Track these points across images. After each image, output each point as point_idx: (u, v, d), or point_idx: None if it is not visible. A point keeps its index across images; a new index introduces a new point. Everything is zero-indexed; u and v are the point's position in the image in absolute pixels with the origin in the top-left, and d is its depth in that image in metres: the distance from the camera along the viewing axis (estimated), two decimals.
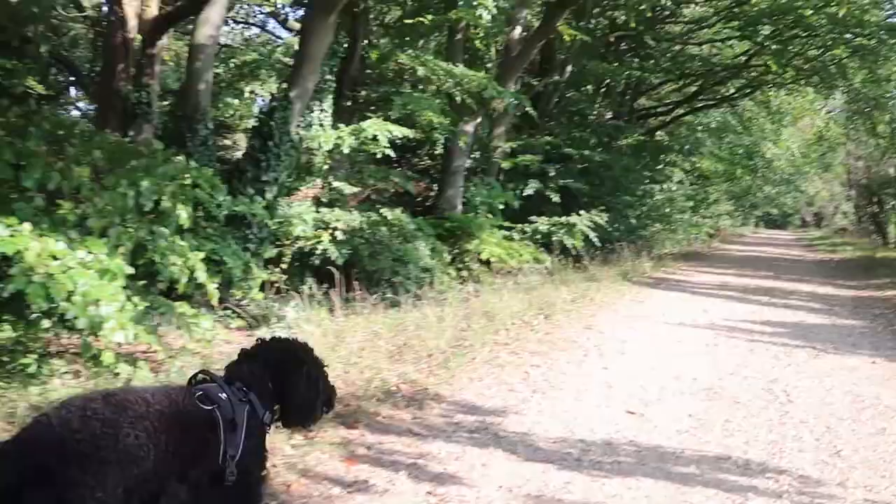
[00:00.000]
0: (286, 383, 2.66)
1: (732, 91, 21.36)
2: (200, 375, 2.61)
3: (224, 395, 2.48)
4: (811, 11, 14.88)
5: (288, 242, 9.83)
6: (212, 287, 7.24)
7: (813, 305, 11.76)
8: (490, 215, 13.36)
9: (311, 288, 9.21)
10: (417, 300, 8.76)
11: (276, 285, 9.00)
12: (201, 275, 7.00)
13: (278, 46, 15.71)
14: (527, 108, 13.38)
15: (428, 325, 7.02)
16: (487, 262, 12.17)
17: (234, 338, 7.84)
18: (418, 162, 15.92)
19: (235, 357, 2.76)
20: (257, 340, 2.81)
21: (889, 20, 15.41)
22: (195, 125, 8.51)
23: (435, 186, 14.19)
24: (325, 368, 2.85)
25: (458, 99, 12.43)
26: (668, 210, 21.93)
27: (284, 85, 9.25)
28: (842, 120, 23.01)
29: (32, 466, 2.02)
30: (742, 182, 28.19)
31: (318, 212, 9.97)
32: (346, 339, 5.93)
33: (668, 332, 8.65)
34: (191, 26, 9.79)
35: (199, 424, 2.39)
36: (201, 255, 7.06)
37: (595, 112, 18.91)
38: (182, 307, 6.99)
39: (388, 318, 7.46)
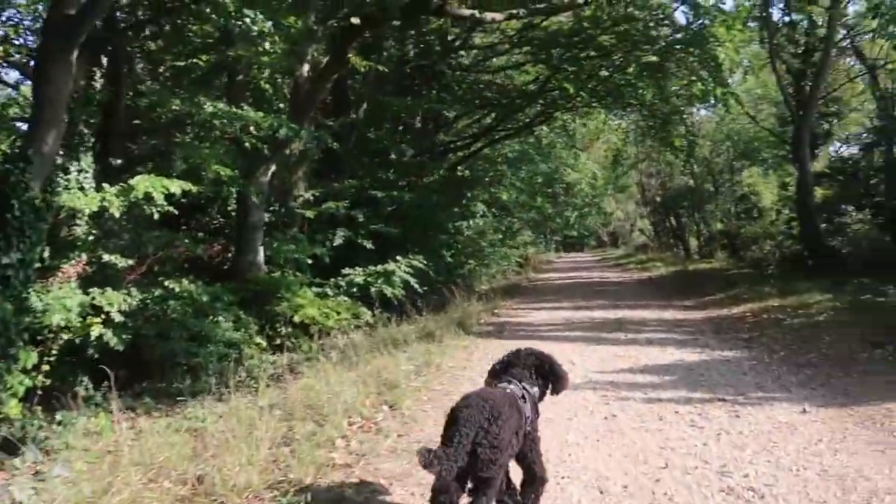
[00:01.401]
0: (546, 376, 4.48)
1: (528, 119, 21.36)
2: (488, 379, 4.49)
3: (512, 388, 4.21)
4: (600, 31, 14.98)
5: (51, 336, 7.91)
6: None
7: (675, 337, 11.10)
8: (298, 273, 11.94)
9: (87, 389, 7.45)
10: (222, 386, 7.22)
11: (39, 393, 7.10)
12: None
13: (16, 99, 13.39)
14: (330, 145, 12.18)
15: (234, 437, 5.11)
16: (302, 325, 10.75)
17: None
18: (210, 221, 14.08)
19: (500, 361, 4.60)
20: (514, 351, 4.67)
21: (673, 36, 15.75)
22: None
23: (232, 247, 12.50)
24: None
25: (248, 145, 10.95)
26: (481, 244, 21.51)
27: (19, 142, 7.40)
28: (636, 138, 23.81)
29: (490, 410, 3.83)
30: (542, 209, 28.48)
31: (86, 293, 8.14)
32: (117, 479, 4.09)
33: (547, 405, 7.11)
34: None
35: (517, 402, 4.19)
36: None
37: (397, 150, 18.07)
38: None
39: (185, 422, 5.82)
